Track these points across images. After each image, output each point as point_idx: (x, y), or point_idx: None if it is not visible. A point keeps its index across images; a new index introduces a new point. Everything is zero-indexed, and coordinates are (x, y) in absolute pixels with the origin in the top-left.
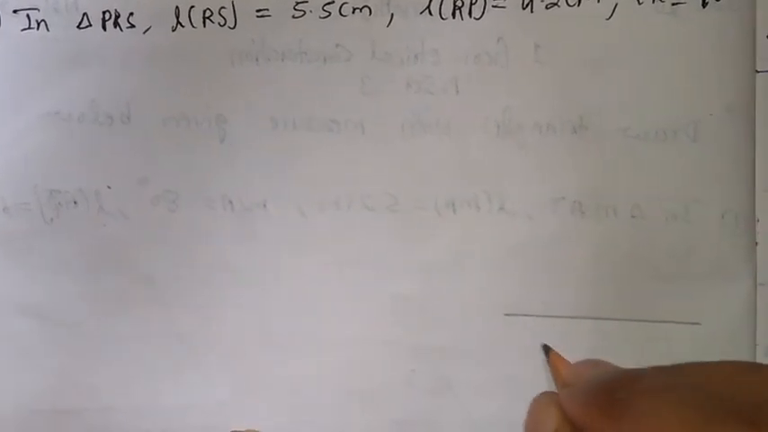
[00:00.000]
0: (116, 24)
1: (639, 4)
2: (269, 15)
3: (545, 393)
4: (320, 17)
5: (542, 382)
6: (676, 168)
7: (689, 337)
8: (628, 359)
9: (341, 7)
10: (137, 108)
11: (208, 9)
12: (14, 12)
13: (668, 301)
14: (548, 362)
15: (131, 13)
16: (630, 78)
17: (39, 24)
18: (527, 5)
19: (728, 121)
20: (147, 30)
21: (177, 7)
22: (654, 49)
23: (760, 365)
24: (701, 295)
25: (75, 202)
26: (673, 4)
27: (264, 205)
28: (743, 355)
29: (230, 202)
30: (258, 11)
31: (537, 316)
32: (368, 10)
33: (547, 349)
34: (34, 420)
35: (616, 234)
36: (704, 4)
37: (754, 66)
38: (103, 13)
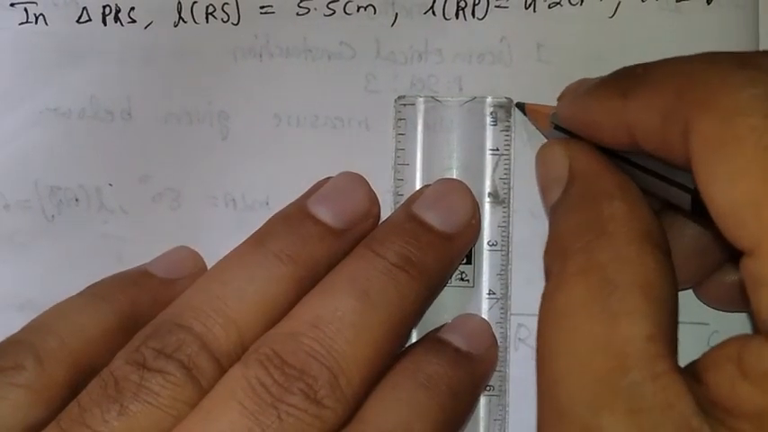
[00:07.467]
0: (116, 19)
1: (643, 1)
2: (273, 12)
3: (550, 141)
4: (324, 15)
5: None
6: None
7: (696, 336)
8: None
9: (345, 5)
10: (138, 104)
11: (210, 5)
12: (12, 5)
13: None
14: (526, 115)
15: (132, 8)
16: None
17: (37, 18)
18: (530, 5)
19: None
20: (149, 25)
21: (179, 2)
22: (657, 46)
23: None
24: None
25: (76, 200)
26: (677, 2)
27: (267, 203)
28: None
29: (233, 199)
30: (262, 7)
31: None
32: (372, 9)
33: (521, 105)
34: None
35: None
36: (708, 2)
37: None
38: (103, 7)
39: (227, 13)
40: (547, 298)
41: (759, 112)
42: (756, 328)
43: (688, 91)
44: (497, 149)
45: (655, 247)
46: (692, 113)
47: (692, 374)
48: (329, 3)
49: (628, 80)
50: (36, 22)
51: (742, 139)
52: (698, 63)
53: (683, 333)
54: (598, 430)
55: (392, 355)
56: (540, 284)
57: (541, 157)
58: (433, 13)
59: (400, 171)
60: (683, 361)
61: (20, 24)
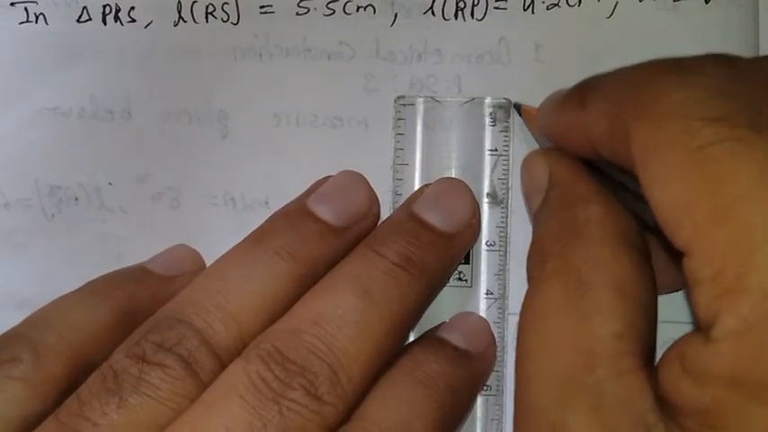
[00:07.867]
0: (116, 18)
1: (640, 1)
2: (272, 12)
3: (532, 151)
4: (324, 14)
5: None
6: None
7: None
8: None
9: (345, 5)
10: (137, 104)
11: (210, 4)
12: (12, 4)
13: (672, 301)
14: (522, 117)
15: (132, 8)
16: None
17: (37, 18)
18: (528, 6)
19: None
20: (149, 24)
21: (179, 2)
22: (656, 46)
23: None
24: None
25: (76, 198)
26: (675, 1)
27: (266, 202)
28: None
29: (232, 198)
30: (261, 7)
31: None
32: (372, 9)
33: (518, 106)
34: None
35: None
36: (707, 1)
37: None
38: (104, 6)
39: (226, 13)
40: (526, 301)
41: (690, 115)
42: (696, 326)
43: (628, 98)
44: (496, 150)
45: (631, 249)
46: (631, 120)
47: (656, 372)
48: (329, 2)
49: (586, 90)
50: (36, 22)
51: (674, 142)
52: (640, 70)
53: (680, 333)
54: (563, 427)
55: (392, 352)
56: None
57: (524, 167)
58: (433, 13)
59: (399, 171)
60: None
61: (20, 24)
